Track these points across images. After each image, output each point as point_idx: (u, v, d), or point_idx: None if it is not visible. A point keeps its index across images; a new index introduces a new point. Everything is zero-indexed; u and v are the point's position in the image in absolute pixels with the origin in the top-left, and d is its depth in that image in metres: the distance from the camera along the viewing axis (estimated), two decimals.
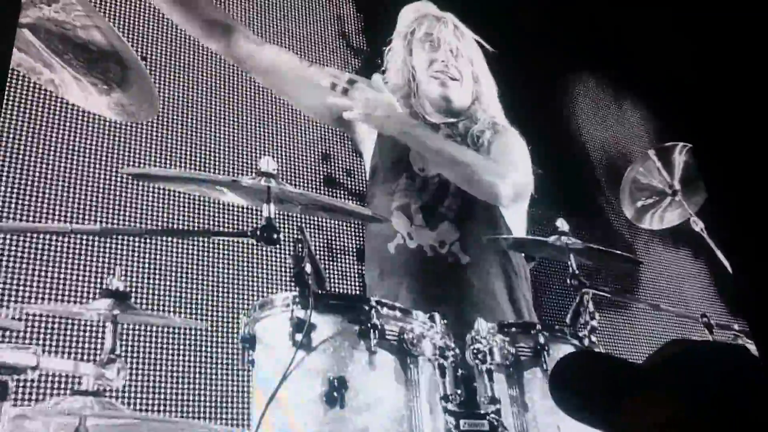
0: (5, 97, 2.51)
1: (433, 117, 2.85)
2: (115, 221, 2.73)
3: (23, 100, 2.76)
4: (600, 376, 0.75)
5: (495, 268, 2.62)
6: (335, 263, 3.18)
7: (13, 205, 2.56)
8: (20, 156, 2.66)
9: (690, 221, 3.28)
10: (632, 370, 0.73)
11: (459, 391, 1.78)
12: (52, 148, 2.76)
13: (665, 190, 3.42)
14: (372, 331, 1.71)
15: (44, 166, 2.70)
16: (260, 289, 2.87)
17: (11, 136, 2.66)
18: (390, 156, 2.80)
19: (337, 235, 3.25)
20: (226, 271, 2.83)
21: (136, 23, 3.24)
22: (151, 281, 2.66)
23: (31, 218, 2.56)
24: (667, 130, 4.62)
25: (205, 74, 3.36)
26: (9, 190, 2.57)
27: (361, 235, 3.27)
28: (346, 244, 3.25)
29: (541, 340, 1.97)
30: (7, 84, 2.58)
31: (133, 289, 2.52)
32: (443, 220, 2.62)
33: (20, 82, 2.77)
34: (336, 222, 3.21)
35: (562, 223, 2.34)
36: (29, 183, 2.64)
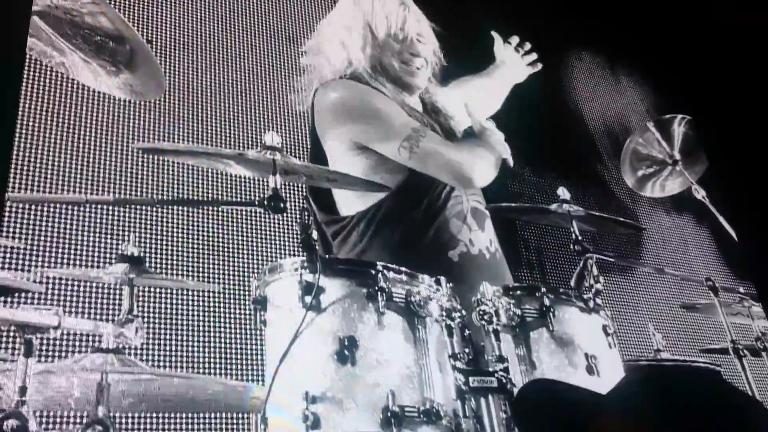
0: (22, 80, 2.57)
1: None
2: (128, 192, 2.80)
3: (38, 82, 2.86)
4: (564, 404, 0.77)
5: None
6: None
7: (32, 178, 2.67)
8: (38, 133, 2.77)
9: (692, 189, 3.30)
10: (596, 397, 0.75)
11: (467, 350, 1.82)
12: (67, 126, 2.86)
13: (665, 160, 3.44)
14: (379, 293, 1.75)
15: (61, 141, 2.80)
16: (269, 255, 2.94)
17: (30, 115, 2.77)
18: None
19: None
20: (235, 238, 2.90)
21: (141, 8, 3.30)
22: (165, 248, 2.75)
23: (49, 190, 2.65)
24: (666, 103, 4.65)
25: (208, 55, 3.43)
26: (29, 163, 2.68)
27: None
28: None
29: (546, 302, 1.99)
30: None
31: (148, 255, 2.62)
32: (484, 218, 2.50)
33: (34, 65, 2.87)
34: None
35: (563, 191, 2.37)
36: (47, 157, 2.75)
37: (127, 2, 3.31)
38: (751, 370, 2.69)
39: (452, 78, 2.86)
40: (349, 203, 2.46)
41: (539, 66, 3.12)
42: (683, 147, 3.42)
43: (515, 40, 3.10)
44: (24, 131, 2.78)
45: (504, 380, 1.80)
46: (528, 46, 3.11)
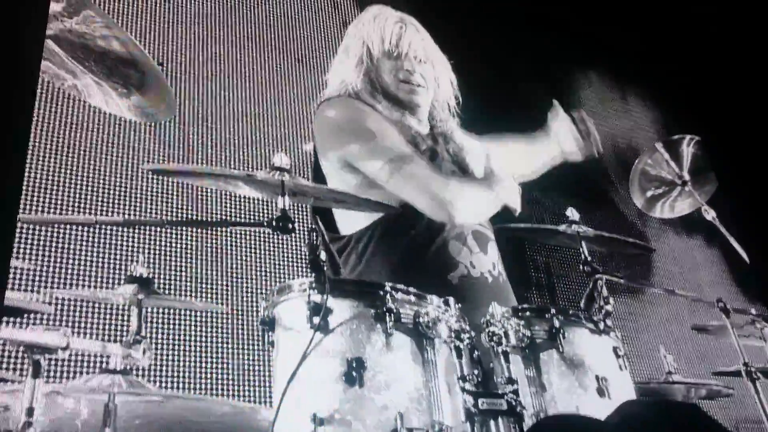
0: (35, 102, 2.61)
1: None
2: (138, 213, 2.83)
3: (51, 104, 2.91)
4: None
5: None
6: None
7: (43, 199, 2.71)
8: (50, 154, 2.81)
9: (701, 210, 3.28)
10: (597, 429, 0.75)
11: (476, 372, 1.81)
12: (79, 147, 2.90)
13: (674, 180, 3.43)
14: (387, 314, 1.74)
15: (71, 163, 2.84)
16: (277, 275, 2.95)
17: (42, 136, 2.81)
18: None
19: None
20: (244, 259, 2.91)
21: (153, 32, 3.36)
22: (174, 268, 2.76)
23: (59, 211, 2.68)
24: (675, 123, 4.65)
25: (218, 76, 3.47)
26: (40, 185, 2.71)
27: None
28: None
29: (556, 323, 1.98)
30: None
31: (156, 276, 2.63)
32: (487, 240, 2.48)
33: (47, 88, 2.92)
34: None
35: (572, 212, 2.37)
36: (58, 178, 2.79)
37: (139, 26, 3.37)
38: (765, 393, 2.65)
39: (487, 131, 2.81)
40: (348, 222, 2.46)
41: (598, 150, 2.88)
42: (692, 167, 3.41)
43: (579, 115, 2.87)
44: (36, 153, 2.82)
45: (514, 402, 1.78)
46: (590, 124, 2.85)
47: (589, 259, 2.30)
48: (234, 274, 2.90)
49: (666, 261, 4.51)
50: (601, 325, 2.07)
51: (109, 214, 2.82)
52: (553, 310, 2.03)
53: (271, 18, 3.82)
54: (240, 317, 2.79)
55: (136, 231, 2.76)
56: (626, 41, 4.67)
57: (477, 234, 2.45)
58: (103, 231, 2.73)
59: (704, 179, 3.42)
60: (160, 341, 2.56)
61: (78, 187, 2.83)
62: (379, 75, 2.57)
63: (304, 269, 2.98)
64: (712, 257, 4.69)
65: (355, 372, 1.65)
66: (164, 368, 2.53)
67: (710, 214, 3.24)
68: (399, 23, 2.63)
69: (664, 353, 3.06)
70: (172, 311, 2.61)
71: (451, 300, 1.90)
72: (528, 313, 2.02)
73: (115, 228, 2.73)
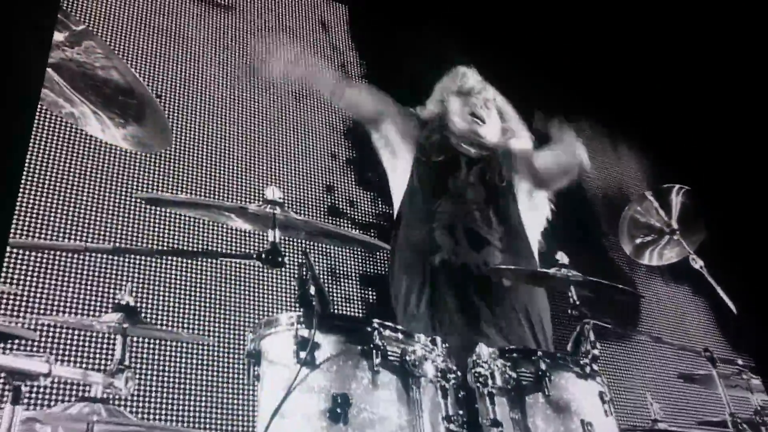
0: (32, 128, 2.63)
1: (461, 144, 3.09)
2: (127, 242, 2.82)
3: (47, 131, 2.93)
4: None
5: (533, 297, 2.77)
6: (339, 287, 3.25)
7: (33, 224, 2.70)
8: (42, 179, 2.81)
9: (689, 259, 3.30)
10: None
11: (461, 413, 1.79)
12: (72, 174, 2.90)
13: (663, 228, 3.45)
14: (374, 351, 1.74)
15: (64, 189, 2.84)
16: (265, 308, 2.93)
17: (36, 162, 2.82)
18: (429, 180, 2.95)
19: (341, 260, 3.32)
20: (232, 290, 2.90)
21: (152, 64, 3.41)
22: (161, 298, 2.74)
23: (50, 236, 2.66)
24: (665, 173, 4.70)
25: (214, 110, 3.50)
26: (30, 209, 2.71)
27: (365, 260, 3.35)
28: (349, 269, 3.32)
29: (543, 366, 1.97)
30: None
31: (143, 305, 2.61)
32: (488, 245, 2.75)
33: (43, 115, 2.94)
34: (338, 249, 3.27)
35: (561, 256, 2.38)
36: (49, 203, 2.78)
37: (139, 58, 3.41)
38: None
39: None
40: None
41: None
42: (681, 216, 3.43)
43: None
44: (29, 178, 2.81)
45: None
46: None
47: (577, 303, 2.31)
48: (221, 306, 2.88)
49: (654, 308, 4.52)
50: (588, 369, 2.06)
51: (99, 241, 2.80)
52: (539, 353, 2.03)
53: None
54: (226, 349, 2.77)
55: (125, 259, 2.75)
56: (618, 91, 4.76)
57: (469, 231, 2.78)
58: (91, 258, 2.71)
59: (693, 228, 3.44)
60: (143, 371, 2.52)
61: (69, 213, 2.82)
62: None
63: (292, 303, 2.97)
64: (700, 306, 4.70)
65: (339, 408, 1.64)
66: (147, 398, 2.49)
67: (698, 263, 3.25)
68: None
69: (651, 400, 3.04)
70: (157, 341, 2.58)
71: (438, 339, 1.90)
72: (515, 355, 2.02)
73: (103, 256, 2.72)
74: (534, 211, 3.01)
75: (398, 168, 3.09)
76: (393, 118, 3.08)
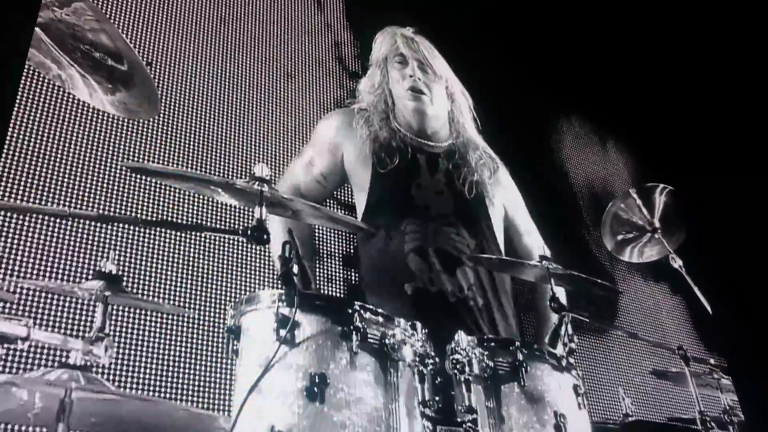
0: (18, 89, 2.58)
1: (415, 138, 2.78)
2: (112, 210, 2.80)
3: (34, 92, 2.88)
4: None
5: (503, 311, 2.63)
6: (321, 267, 3.26)
7: (17, 186, 2.66)
8: (27, 143, 2.77)
9: (669, 258, 3.34)
10: None
11: (437, 398, 1.81)
12: (57, 138, 2.86)
13: (645, 226, 3.49)
14: (354, 333, 1.75)
15: (49, 153, 2.80)
16: (247, 284, 2.93)
17: (21, 124, 2.77)
18: (391, 193, 2.67)
19: (325, 240, 3.33)
20: (215, 265, 2.90)
21: (144, 31, 3.36)
22: (144, 268, 2.73)
23: (33, 200, 2.64)
24: (649, 172, 4.75)
25: (206, 82, 3.47)
26: (15, 171, 2.67)
27: (349, 241, 3.36)
28: (333, 249, 3.33)
29: (520, 356, 1.99)
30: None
31: (126, 274, 2.60)
32: (460, 264, 2.54)
33: (31, 76, 2.89)
34: (324, 228, 3.28)
35: (544, 249, 2.40)
36: (34, 167, 2.75)
37: (129, 23, 3.36)
38: None
39: None
40: None
41: None
42: (663, 216, 3.47)
43: None
44: (14, 140, 2.77)
45: None
46: None
47: (557, 296, 2.32)
48: (204, 280, 2.87)
49: (631, 304, 4.58)
50: (564, 362, 2.09)
51: (83, 207, 2.77)
52: (517, 343, 2.04)
53: (263, 31, 3.85)
54: (206, 323, 2.77)
55: (109, 227, 2.73)
56: (609, 87, 4.77)
57: (443, 254, 2.53)
58: (75, 224, 2.69)
59: (674, 228, 3.48)
60: (123, 340, 2.52)
61: (54, 177, 2.78)
62: (395, 109, 2.78)
63: (275, 281, 2.97)
64: (676, 305, 4.77)
65: (316, 388, 1.65)
66: (125, 368, 2.49)
67: (677, 263, 3.30)
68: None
69: (623, 395, 3.09)
70: (138, 311, 2.57)
71: (419, 324, 1.91)
72: (493, 344, 2.04)
73: (87, 222, 2.69)
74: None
75: (357, 183, 2.78)
76: (346, 148, 2.77)
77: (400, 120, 2.81)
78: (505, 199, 2.88)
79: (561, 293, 2.37)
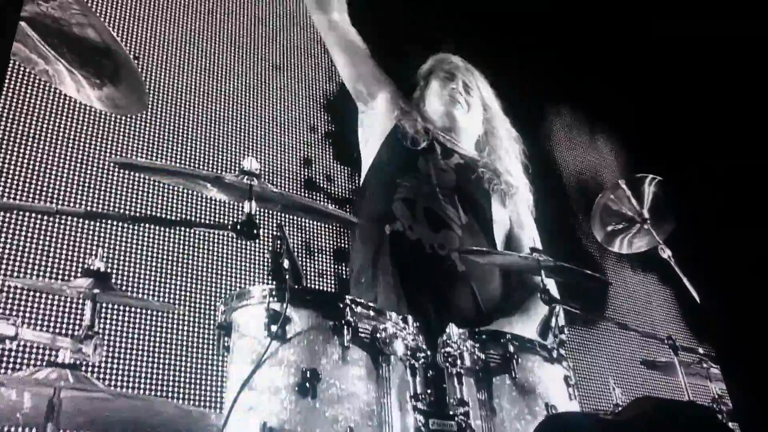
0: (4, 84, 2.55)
1: (439, 131, 2.97)
2: (100, 207, 2.77)
3: (20, 88, 2.84)
4: None
5: (490, 284, 2.67)
6: (312, 262, 3.25)
7: (3, 183, 2.63)
8: (14, 138, 2.73)
9: (658, 248, 3.36)
10: (605, 426, 0.76)
11: (429, 391, 1.82)
12: (44, 134, 2.83)
13: (635, 217, 3.50)
14: (345, 327, 1.75)
15: (36, 149, 2.77)
16: (238, 280, 2.92)
17: (6, 120, 2.74)
18: (401, 153, 2.84)
19: (316, 235, 3.32)
20: (205, 261, 2.88)
21: (131, 24, 3.33)
22: (133, 265, 2.71)
23: (19, 197, 2.60)
24: (639, 162, 4.76)
25: (193, 76, 3.44)
26: (1, 168, 2.64)
27: (340, 235, 3.35)
28: (323, 244, 3.32)
29: (511, 348, 2.00)
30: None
31: (114, 272, 2.58)
32: (447, 228, 2.63)
33: (16, 71, 2.85)
34: (314, 223, 3.27)
35: (534, 240, 2.41)
36: (19, 163, 2.71)
37: (117, 17, 3.32)
38: None
39: None
40: None
41: None
42: (652, 207, 3.48)
43: None
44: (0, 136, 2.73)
45: (464, 425, 1.80)
46: None
47: (547, 287, 2.33)
48: (194, 276, 2.85)
49: (620, 295, 4.60)
50: (555, 354, 2.10)
51: (71, 204, 2.74)
52: (508, 335, 2.05)
53: (250, 24, 3.82)
54: (196, 320, 2.75)
55: (97, 224, 2.70)
56: (600, 78, 4.78)
57: (429, 212, 2.64)
58: (62, 221, 2.66)
59: (663, 219, 3.49)
60: (112, 338, 2.50)
61: (41, 174, 2.75)
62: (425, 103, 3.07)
63: (265, 276, 2.96)
64: (665, 295, 4.80)
65: (308, 383, 1.65)
66: (115, 366, 2.47)
67: (666, 253, 3.31)
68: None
69: (613, 386, 3.11)
70: (127, 308, 2.55)
71: (410, 318, 1.91)
72: (484, 336, 2.04)
73: (75, 219, 2.67)
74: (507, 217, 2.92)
75: (369, 141, 3.00)
76: (386, 95, 3.00)
77: (428, 117, 3.01)
78: (515, 215, 2.95)
79: (551, 285, 2.38)
